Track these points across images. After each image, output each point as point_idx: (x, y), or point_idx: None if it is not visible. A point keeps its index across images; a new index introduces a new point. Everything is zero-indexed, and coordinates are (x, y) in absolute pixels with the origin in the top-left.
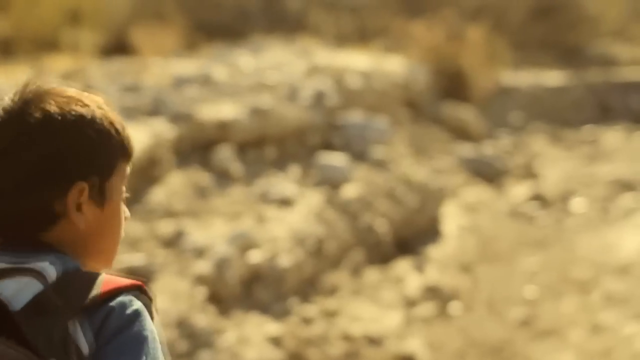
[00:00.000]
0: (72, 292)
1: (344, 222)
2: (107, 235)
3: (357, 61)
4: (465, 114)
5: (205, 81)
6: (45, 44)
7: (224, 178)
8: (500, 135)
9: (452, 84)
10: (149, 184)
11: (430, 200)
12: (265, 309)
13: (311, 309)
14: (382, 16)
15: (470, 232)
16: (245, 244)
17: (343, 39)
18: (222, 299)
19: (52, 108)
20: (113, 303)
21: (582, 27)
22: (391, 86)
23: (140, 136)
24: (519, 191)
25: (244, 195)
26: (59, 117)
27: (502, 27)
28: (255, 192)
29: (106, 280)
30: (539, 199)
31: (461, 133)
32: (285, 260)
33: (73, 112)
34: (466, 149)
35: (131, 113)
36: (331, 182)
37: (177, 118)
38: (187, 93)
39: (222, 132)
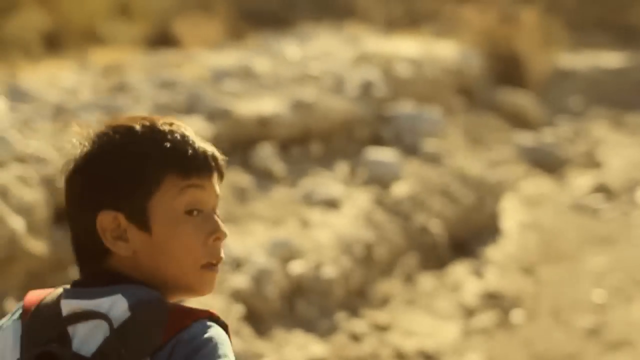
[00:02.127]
0: (136, 337)
1: (395, 224)
2: (171, 259)
3: (406, 48)
4: (522, 100)
5: (245, 74)
6: (92, 38)
7: (265, 179)
8: (560, 122)
9: (507, 69)
10: None
11: (488, 195)
12: (309, 326)
13: (360, 324)
14: (433, 0)
15: (532, 229)
16: (287, 254)
17: (392, 25)
18: (260, 317)
19: (94, 141)
20: (183, 333)
21: (639, 5)
22: (443, 73)
23: None
24: (581, 182)
25: (287, 197)
26: (95, 148)
27: (556, 7)
28: (298, 193)
29: (175, 314)
30: (604, 190)
31: (518, 121)
32: (331, 270)
33: (106, 141)
34: (524, 138)
35: (165, 111)
36: (380, 180)
37: (214, 115)
38: (225, 87)
39: (263, 128)
